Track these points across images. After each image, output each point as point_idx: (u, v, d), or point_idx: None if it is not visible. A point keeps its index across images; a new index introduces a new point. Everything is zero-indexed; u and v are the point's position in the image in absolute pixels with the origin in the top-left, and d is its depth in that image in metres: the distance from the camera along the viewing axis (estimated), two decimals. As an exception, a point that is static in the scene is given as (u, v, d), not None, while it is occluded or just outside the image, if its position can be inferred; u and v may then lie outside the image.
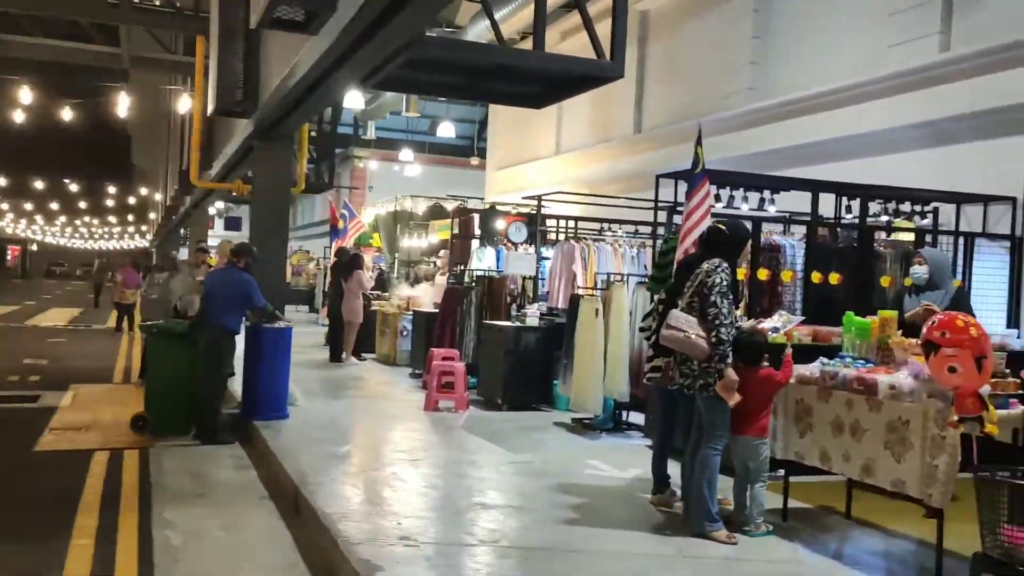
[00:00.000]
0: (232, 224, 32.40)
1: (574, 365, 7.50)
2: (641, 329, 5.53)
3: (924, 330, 4.05)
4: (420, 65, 5.30)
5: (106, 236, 71.03)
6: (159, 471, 6.20)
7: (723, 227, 4.85)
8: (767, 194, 7.79)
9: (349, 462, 6.21)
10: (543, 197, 10.13)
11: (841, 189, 7.58)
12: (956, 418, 3.94)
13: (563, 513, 4.95)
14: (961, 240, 7.40)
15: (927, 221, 7.83)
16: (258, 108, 7.72)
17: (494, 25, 5.56)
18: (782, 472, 5.02)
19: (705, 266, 4.61)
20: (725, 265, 4.57)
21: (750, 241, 6.29)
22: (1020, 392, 4.54)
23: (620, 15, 5.29)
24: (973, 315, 4.93)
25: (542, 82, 5.55)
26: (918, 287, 5.57)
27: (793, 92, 9.84)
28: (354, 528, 4.47)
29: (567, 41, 13.64)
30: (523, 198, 11.86)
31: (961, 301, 5.25)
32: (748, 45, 10.85)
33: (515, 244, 11.37)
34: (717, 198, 7.21)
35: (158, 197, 43.22)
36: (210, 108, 8.39)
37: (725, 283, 4.51)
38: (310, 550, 4.55)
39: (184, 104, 17.80)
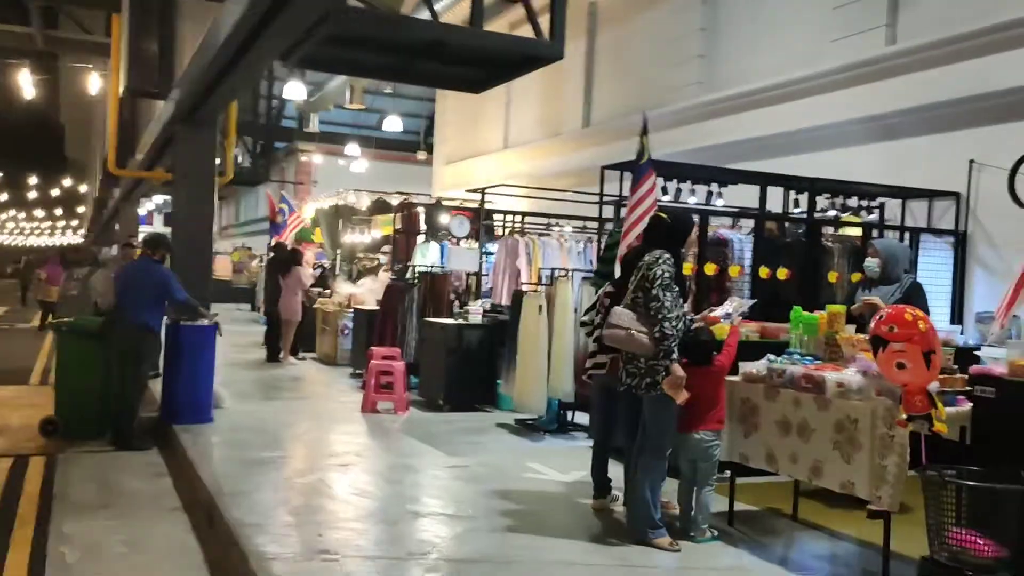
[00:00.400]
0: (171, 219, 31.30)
1: (517, 364, 7.24)
2: (582, 323, 5.26)
3: (872, 324, 3.87)
4: (348, 42, 4.95)
5: (37, 232, 68.28)
6: (64, 480, 5.74)
7: (665, 216, 4.61)
8: (715, 187, 7.66)
9: (274, 469, 5.81)
10: (487, 190, 9.85)
11: (788, 182, 7.46)
12: (905, 416, 3.76)
13: (499, 521, 4.67)
14: (906, 235, 7.36)
15: (874, 216, 7.79)
16: (173, 87, 7.24)
17: (428, 5, 5.22)
18: (727, 474, 4.82)
19: (647, 258, 4.34)
20: (668, 256, 4.31)
21: (697, 234, 6.10)
22: (968, 389, 4.40)
23: (560, -5, 5.01)
24: (927, 310, 4.78)
25: (479, 63, 5.24)
26: (871, 280, 5.40)
27: (741, 86, 9.74)
28: (270, 541, 4.12)
29: (514, 32, 13.37)
30: (467, 191, 11.54)
31: (912, 295, 5.06)
32: (696, 38, 10.72)
33: (458, 239, 11.06)
34: (664, 191, 7.03)
35: (83, 189, 41.49)
36: (121, 88, 7.86)
37: (668, 275, 4.25)
38: (220, 567, 4.17)
39: (94, 84, 16.79)
